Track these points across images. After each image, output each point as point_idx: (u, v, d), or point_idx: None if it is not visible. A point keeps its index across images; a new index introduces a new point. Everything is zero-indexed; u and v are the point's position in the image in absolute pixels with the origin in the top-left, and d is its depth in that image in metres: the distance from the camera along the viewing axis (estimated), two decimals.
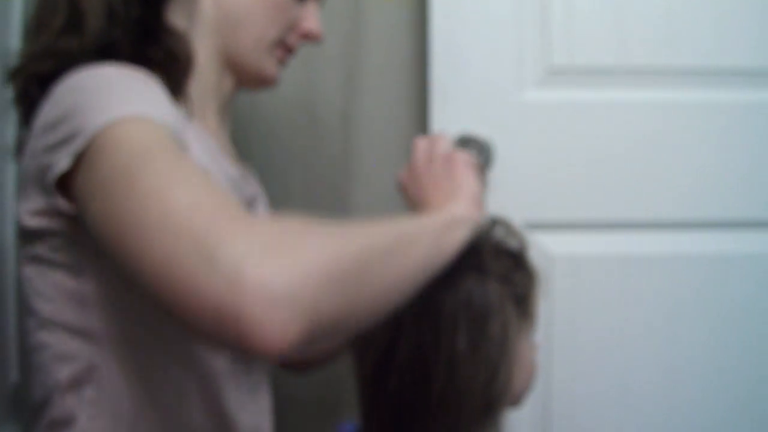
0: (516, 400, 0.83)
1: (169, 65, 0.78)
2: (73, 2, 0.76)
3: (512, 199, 1.12)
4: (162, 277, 0.54)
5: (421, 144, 0.89)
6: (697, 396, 1.15)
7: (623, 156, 1.15)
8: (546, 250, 1.12)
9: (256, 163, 1.19)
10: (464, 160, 0.86)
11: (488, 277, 0.79)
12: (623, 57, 1.15)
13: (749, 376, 1.15)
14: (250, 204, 0.88)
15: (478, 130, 1.13)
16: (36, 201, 0.70)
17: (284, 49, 0.90)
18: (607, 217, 1.16)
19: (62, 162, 0.65)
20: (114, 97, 0.66)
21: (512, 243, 0.85)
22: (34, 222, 0.71)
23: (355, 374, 0.82)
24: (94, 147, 0.63)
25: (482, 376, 0.76)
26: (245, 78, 0.89)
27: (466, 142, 1.00)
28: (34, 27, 0.78)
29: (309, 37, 0.92)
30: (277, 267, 0.52)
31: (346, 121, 1.21)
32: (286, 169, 1.21)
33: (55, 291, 0.72)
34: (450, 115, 1.14)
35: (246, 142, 1.20)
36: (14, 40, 1.12)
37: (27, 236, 0.73)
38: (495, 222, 0.86)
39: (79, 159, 0.64)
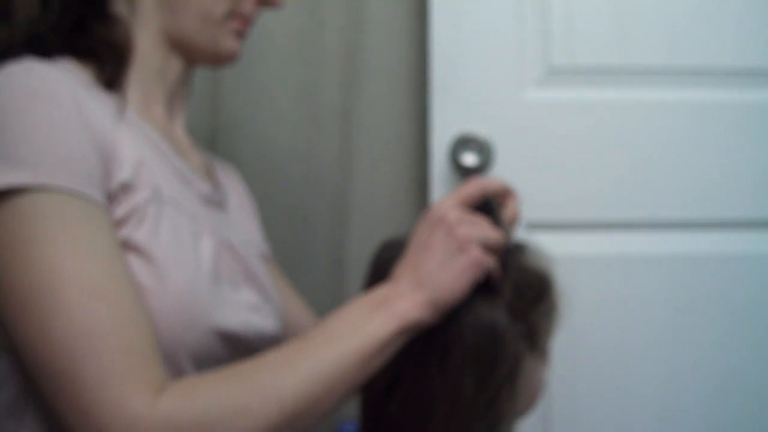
0: (520, 416, 0.78)
1: (104, 55, 0.73)
2: None
3: None
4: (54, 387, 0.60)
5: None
6: (697, 395, 1.15)
7: (623, 156, 1.15)
8: (546, 250, 1.12)
9: (255, 163, 1.20)
10: (467, 235, 0.69)
11: (502, 313, 0.72)
12: (623, 57, 1.15)
13: (750, 376, 1.15)
14: (206, 201, 0.80)
15: (478, 130, 1.13)
16: None
17: (240, 19, 0.80)
18: (607, 217, 1.16)
19: None
20: (15, 146, 0.62)
21: (536, 272, 0.77)
22: None
23: (359, 402, 0.79)
24: None
25: (487, 421, 0.72)
26: (200, 57, 0.81)
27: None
28: None
29: (267, 3, 0.81)
30: None
31: (346, 121, 1.21)
32: (286, 168, 1.21)
33: None
34: (450, 115, 1.14)
35: (246, 142, 1.21)
36: None
37: None
38: (520, 247, 0.78)
39: None
